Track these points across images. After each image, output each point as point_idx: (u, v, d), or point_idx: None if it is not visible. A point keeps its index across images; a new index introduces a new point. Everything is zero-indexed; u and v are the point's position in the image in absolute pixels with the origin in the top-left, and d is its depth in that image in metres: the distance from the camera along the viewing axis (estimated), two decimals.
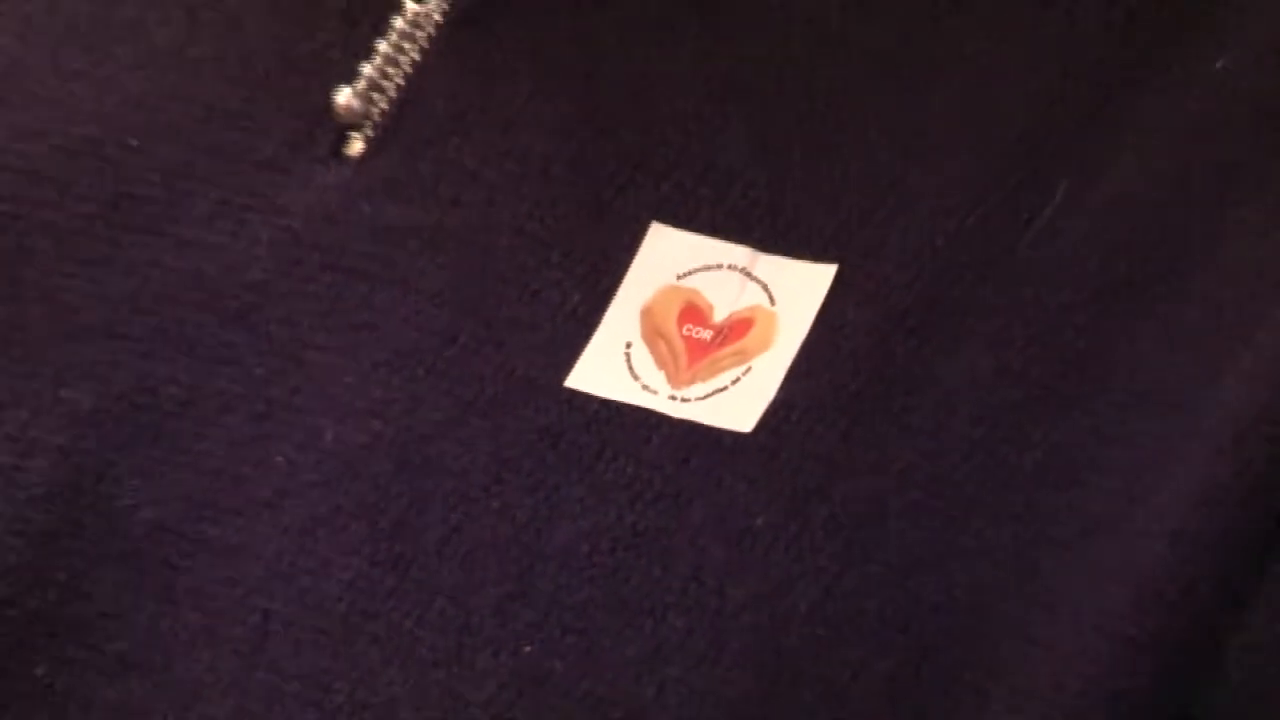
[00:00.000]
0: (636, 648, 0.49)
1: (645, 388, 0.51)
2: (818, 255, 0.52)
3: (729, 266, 0.53)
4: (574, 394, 0.51)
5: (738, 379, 0.51)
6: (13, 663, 0.54)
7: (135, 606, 0.53)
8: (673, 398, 0.50)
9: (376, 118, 0.56)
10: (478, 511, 0.51)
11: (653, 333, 0.53)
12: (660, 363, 0.52)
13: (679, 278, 0.52)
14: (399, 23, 0.57)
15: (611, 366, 0.51)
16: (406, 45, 0.57)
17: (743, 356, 0.52)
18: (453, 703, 0.49)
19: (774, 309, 0.52)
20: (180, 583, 0.53)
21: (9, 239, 0.57)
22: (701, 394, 0.52)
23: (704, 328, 0.52)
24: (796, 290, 0.52)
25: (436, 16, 0.57)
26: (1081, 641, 0.49)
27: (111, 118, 0.58)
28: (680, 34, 0.57)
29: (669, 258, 0.53)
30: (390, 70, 0.57)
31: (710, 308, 0.52)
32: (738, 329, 0.52)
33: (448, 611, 0.50)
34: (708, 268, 0.53)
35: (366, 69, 0.57)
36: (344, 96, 0.55)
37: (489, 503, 0.51)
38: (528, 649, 0.49)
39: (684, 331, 0.52)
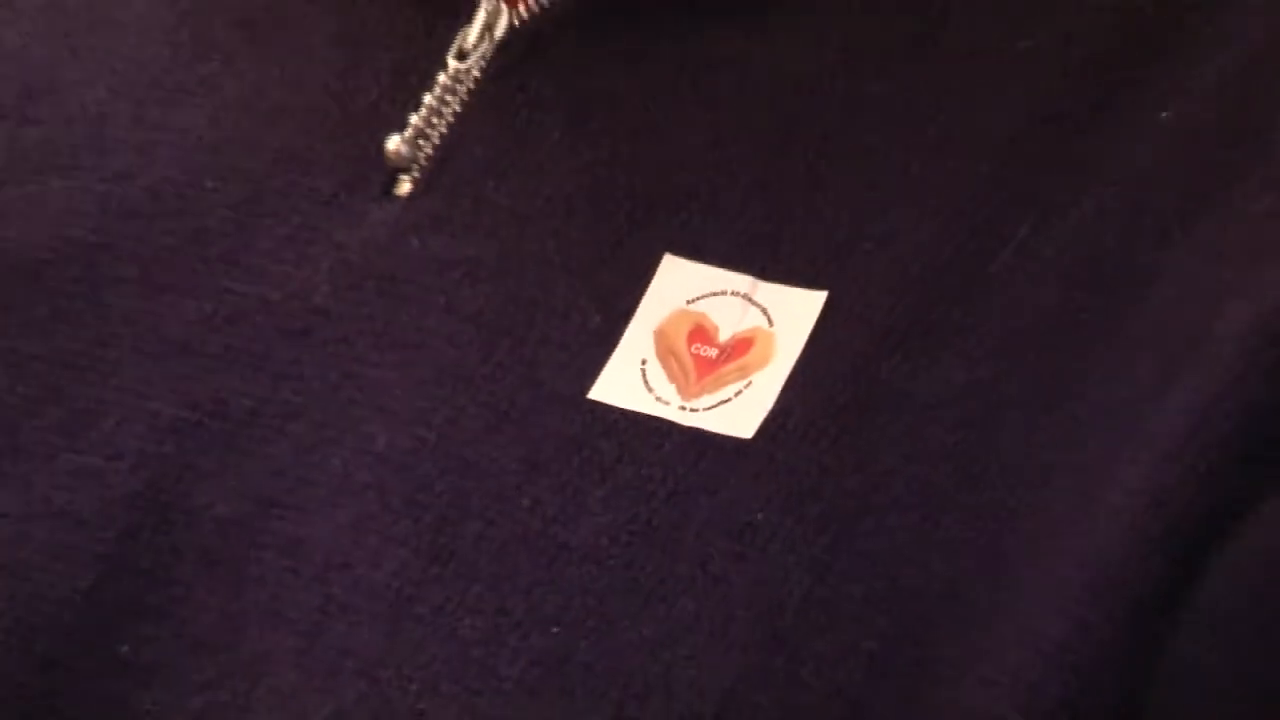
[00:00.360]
0: (651, 630, 0.53)
1: (659, 399, 0.55)
2: (811, 283, 0.54)
3: (732, 293, 0.56)
4: (596, 405, 0.55)
5: (740, 391, 0.55)
6: (101, 641, 0.57)
7: (209, 592, 0.56)
8: (683, 408, 0.54)
9: (422, 162, 0.60)
10: (510, 509, 0.54)
11: (665, 351, 0.57)
12: (672, 377, 0.56)
13: (688, 303, 0.56)
14: (442, 78, 0.60)
15: (629, 381, 0.55)
16: (449, 98, 0.60)
17: (744, 372, 0.56)
18: (487, 678, 0.53)
19: (772, 330, 0.55)
20: (249, 571, 0.56)
21: (100, 268, 0.61)
22: (708, 405, 0.55)
23: (710, 346, 0.56)
24: (792, 313, 0.55)
25: (475, 73, 0.60)
26: (1044, 623, 0.52)
27: (190, 162, 0.61)
28: (691, 90, 0.61)
29: (680, 285, 0.57)
30: (435, 120, 0.60)
31: (716, 329, 0.56)
32: (740, 347, 0.56)
33: (484, 597, 0.53)
34: (714, 294, 0.56)
35: (414, 119, 0.60)
36: (394, 143, 0.59)
37: (520, 500, 0.54)
38: (555, 630, 0.52)
39: (693, 350, 0.56)
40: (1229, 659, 0.52)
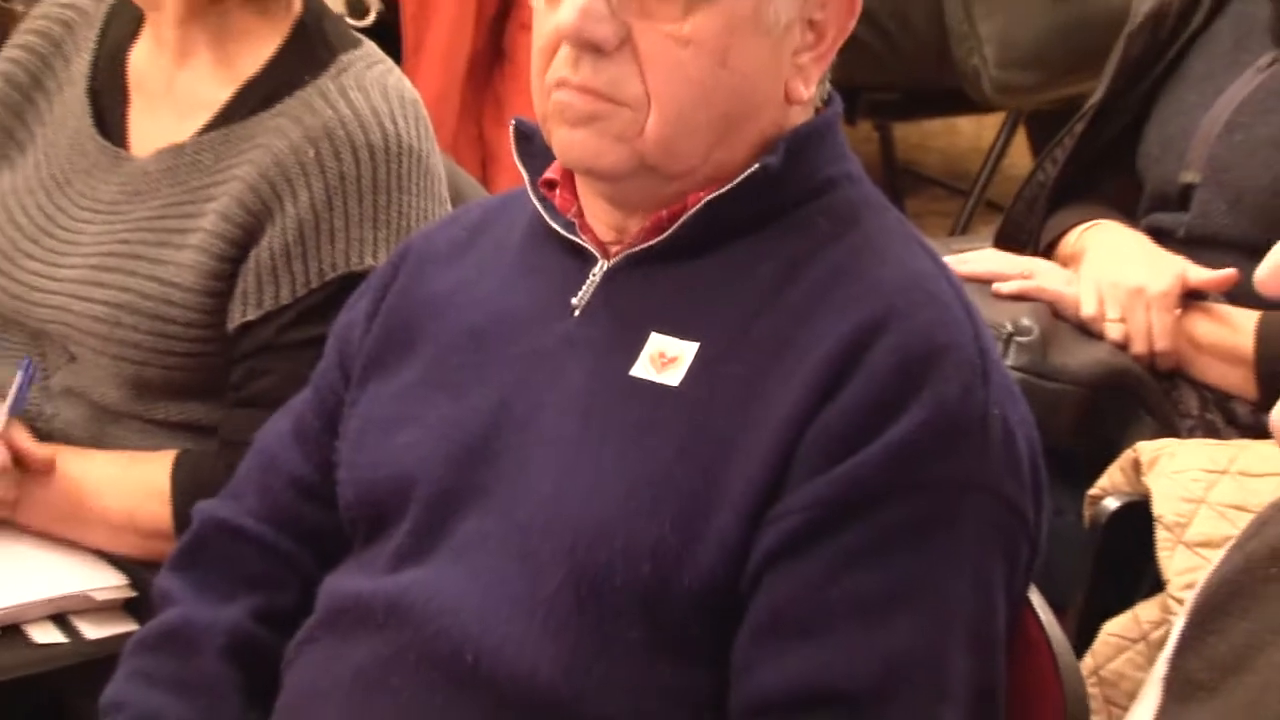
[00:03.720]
0: (630, 502, 1.21)
1: (648, 373, 1.22)
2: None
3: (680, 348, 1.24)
4: (643, 380, 1.21)
5: (676, 371, 1.22)
6: (432, 525, 1.26)
7: (467, 516, 1.25)
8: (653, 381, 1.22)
9: (585, 299, 1.26)
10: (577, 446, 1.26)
11: (648, 360, 1.21)
12: (654, 366, 1.21)
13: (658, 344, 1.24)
14: (593, 273, 1.25)
15: (643, 368, 1.22)
16: (591, 280, 1.27)
17: (678, 363, 1.21)
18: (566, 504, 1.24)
19: (679, 353, 1.23)
20: (483, 505, 1.25)
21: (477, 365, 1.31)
22: (665, 377, 1.21)
23: (666, 360, 1.21)
24: (687, 349, 1.23)
25: (605, 268, 1.26)
26: (721, 535, 1.17)
27: (492, 310, 1.34)
28: (708, 283, 1.24)
29: (659, 343, 1.23)
30: (579, 303, 1.26)
31: (672, 356, 1.23)
32: (673, 361, 1.21)
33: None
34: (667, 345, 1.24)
35: (574, 300, 1.25)
36: (579, 297, 1.26)
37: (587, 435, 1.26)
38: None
39: (660, 359, 1.22)
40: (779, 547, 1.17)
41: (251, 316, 1.54)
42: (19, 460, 1.55)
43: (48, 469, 1.56)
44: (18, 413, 1.56)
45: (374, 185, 1.54)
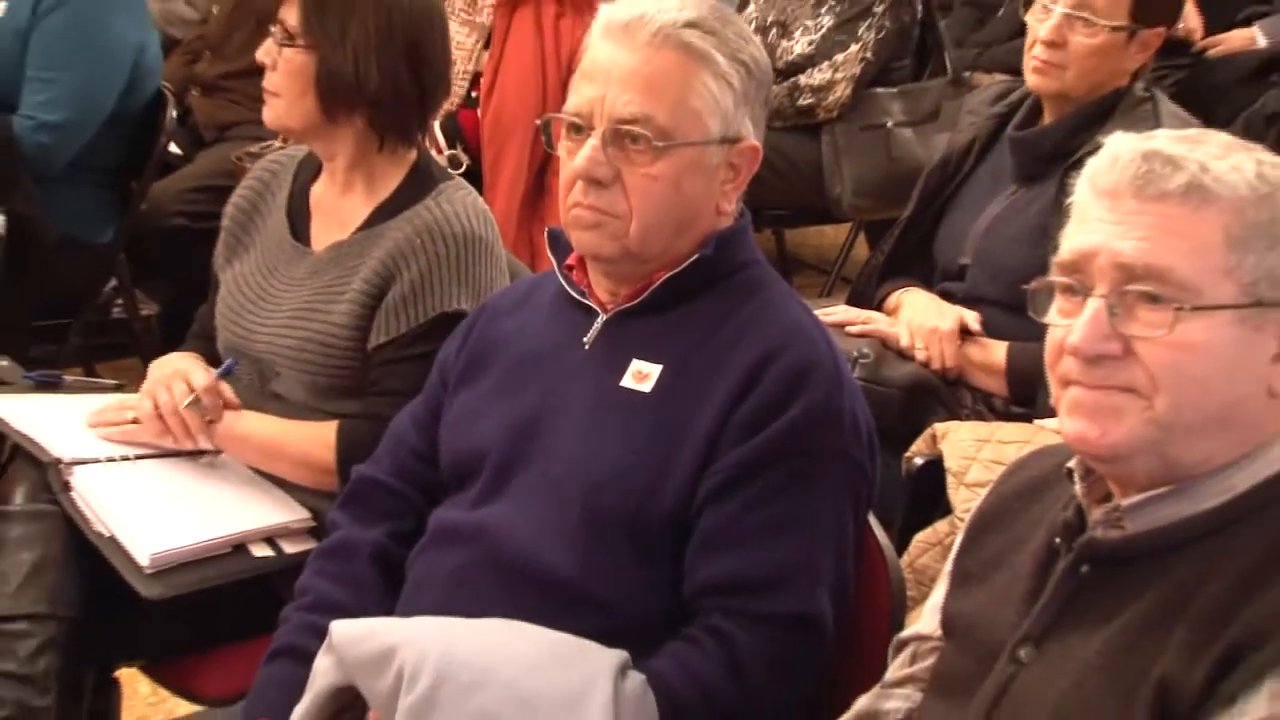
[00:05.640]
0: (641, 471, 1.19)
1: (631, 384, 1.20)
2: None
3: (651, 368, 1.22)
4: (627, 389, 1.18)
5: (648, 384, 1.20)
6: (497, 480, 1.26)
7: (518, 474, 1.24)
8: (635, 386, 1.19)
9: (592, 338, 1.26)
10: (588, 429, 1.21)
11: (631, 376, 1.19)
12: (634, 380, 1.19)
13: (636, 366, 1.22)
14: (596, 322, 1.26)
15: (628, 382, 1.19)
16: (595, 326, 1.27)
17: (649, 378, 1.19)
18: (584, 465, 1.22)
19: (659, 368, 1.21)
20: (530, 467, 1.22)
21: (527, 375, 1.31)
22: (642, 387, 1.19)
23: (642, 376, 1.22)
24: (654, 369, 1.21)
25: (604, 319, 1.27)
26: (677, 486, 1.19)
27: (533, 337, 1.33)
28: (668, 328, 1.23)
29: (637, 365, 1.21)
30: (591, 333, 1.27)
31: (646, 373, 1.22)
32: (647, 376, 1.20)
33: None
34: (643, 367, 1.21)
35: (584, 339, 1.26)
36: (588, 338, 1.26)
37: (595, 421, 1.21)
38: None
39: (638, 376, 1.20)
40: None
41: (382, 340, 1.53)
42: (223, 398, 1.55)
43: (238, 408, 1.55)
44: (222, 377, 1.58)
45: (456, 260, 1.52)
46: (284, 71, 1.55)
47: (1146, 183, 0.87)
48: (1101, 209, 0.89)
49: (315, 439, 1.54)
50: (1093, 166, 0.92)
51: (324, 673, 1.14)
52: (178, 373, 1.55)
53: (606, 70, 1.18)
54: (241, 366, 1.63)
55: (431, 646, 1.08)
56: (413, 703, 1.04)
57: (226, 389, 1.57)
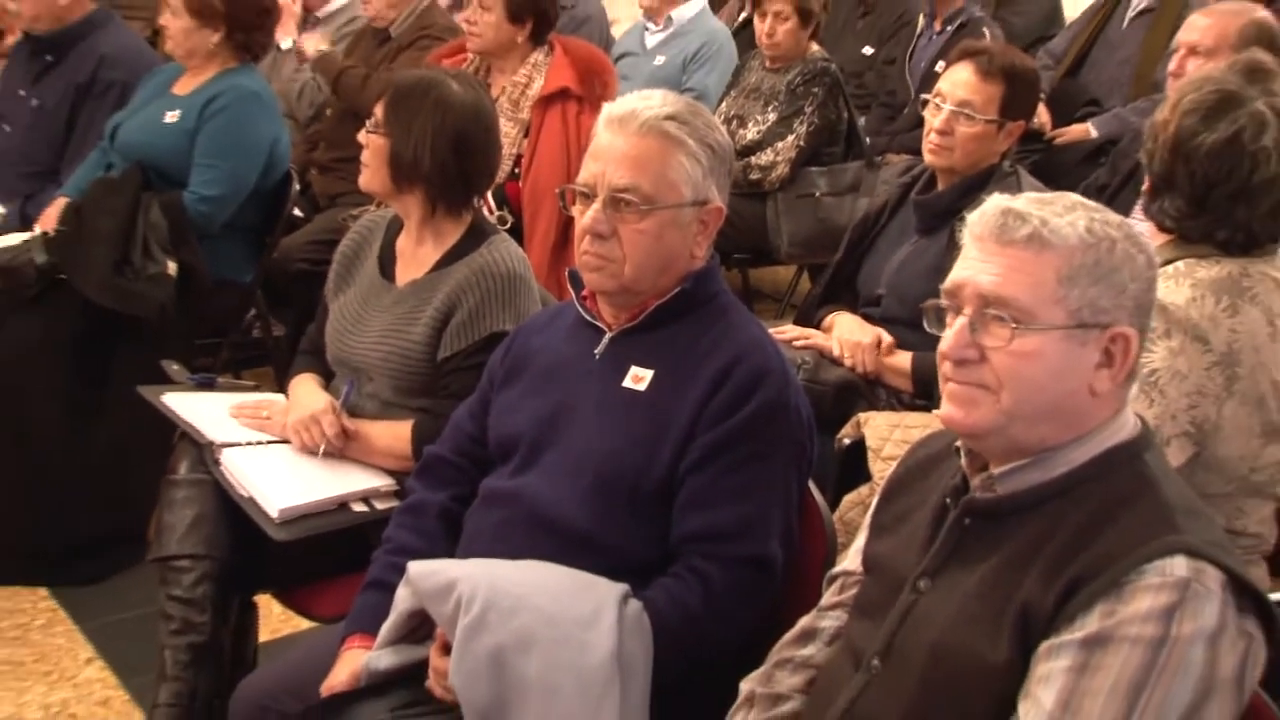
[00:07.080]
0: (637, 449, 1.14)
1: (630, 385, 1.15)
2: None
3: (645, 373, 1.18)
4: (627, 388, 1.13)
5: (643, 385, 1.14)
6: (529, 458, 1.21)
7: (546, 453, 1.21)
8: (634, 387, 1.14)
9: (601, 350, 1.21)
10: (598, 421, 1.15)
11: (630, 379, 1.15)
12: (633, 383, 1.14)
13: (634, 371, 1.18)
14: (604, 339, 1.21)
15: (628, 384, 1.14)
16: (603, 342, 1.24)
17: (644, 381, 1.14)
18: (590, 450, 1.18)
19: (643, 380, 1.17)
20: (555, 446, 1.18)
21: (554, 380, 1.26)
22: (637, 386, 1.14)
23: (638, 379, 1.14)
24: (644, 374, 1.16)
25: (609, 336, 1.22)
26: (665, 462, 1.14)
27: (554, 347, 1.29)
28: (658, 343, 1.19)
29: (635, 371, 1.17)
30: (600, 347, 1.23)
31: (641, 377, 1.16)
32: (642, 379, 1.14)
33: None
34: (639, 372, 1.17)
35: (595, 352, 1.22)
36: (598, 350, 1.21)
37: (599, 417, 1.14)
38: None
39: (635, 379, 1.15)
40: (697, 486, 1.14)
41: (448, 354, 1.51)
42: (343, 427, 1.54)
43: (355, 433, 1.54)
44: (345, 407, 1.56)
45: (502, 293, 1.51)
46: (370, 151, 1.58)
47: (1002, 231, 0.88)
48: (974, 250, 0.91)
49: (395, 436, 1.52)
50: (970, 218, 0.93)
51: (403, 600, 1.17)
52: (314, 418, 1.53)
53: (606, 152, 1.19)
54: (342, 374, 1.61)
55: (481, 580, 1.09)
56: (469, 623, 1.06)
57: (345, 419, 1.55)
